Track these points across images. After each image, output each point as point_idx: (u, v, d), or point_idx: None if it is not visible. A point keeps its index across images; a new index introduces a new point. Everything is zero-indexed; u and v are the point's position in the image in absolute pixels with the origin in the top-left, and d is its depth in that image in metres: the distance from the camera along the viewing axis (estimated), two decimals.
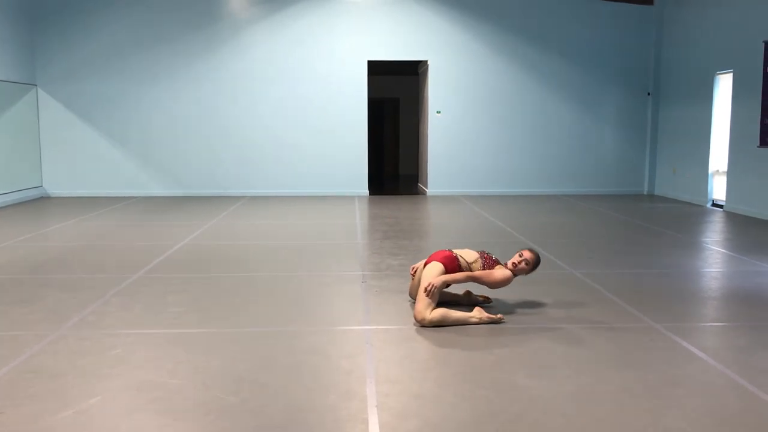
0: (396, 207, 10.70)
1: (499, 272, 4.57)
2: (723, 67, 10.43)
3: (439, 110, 12.41)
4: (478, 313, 4.43)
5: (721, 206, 10.48)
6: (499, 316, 4.45)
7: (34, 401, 3.18)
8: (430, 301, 4.34)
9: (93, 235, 7.94)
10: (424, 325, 4.31)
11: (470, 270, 4.59)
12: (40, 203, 11.14)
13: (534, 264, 4.68)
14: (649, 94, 12.56)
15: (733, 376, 3.51)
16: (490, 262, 4.66)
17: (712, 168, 10.82)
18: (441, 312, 4.35)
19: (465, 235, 8.03)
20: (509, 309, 4.77)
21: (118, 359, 3.75)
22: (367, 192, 12.47)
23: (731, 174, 10.12)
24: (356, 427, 2.91)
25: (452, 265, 4.55)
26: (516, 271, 4.65)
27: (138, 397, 3.23)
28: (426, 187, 12.72)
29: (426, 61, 12.48)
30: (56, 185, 12.16)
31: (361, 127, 12.33)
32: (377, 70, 13.38)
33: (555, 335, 4.19)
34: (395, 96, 17.42)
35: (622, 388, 3.36)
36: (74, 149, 12.09)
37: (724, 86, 10.53)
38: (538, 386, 3.36)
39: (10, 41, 11.08)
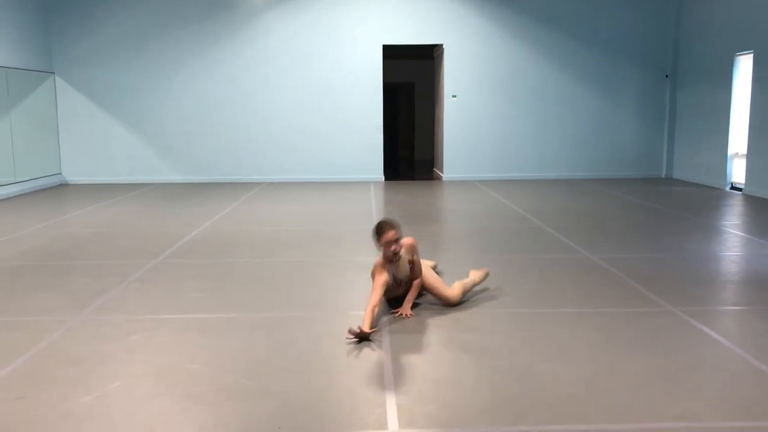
0: (411, 192, 10.69)
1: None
2: (743, 48, 10.28)
3: (454, 94, 12.34)
4: (473, 274, 4.75)
5: (740, 189, 10.36)
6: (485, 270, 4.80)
7: (56, 386, 3.23)
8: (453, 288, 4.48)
9: (112, 221, 8.02)
10: (458, 303, 4.46)
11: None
12: (59, 190, 11.25)
13: (377, 233, 4.19)
14: (667, 76, 12.41)
15: (751, 360, 3.49)
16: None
17: (731, 151, 10.69)
18: (459, 286, 4.52)
19: (481, 220, 8.01)
20: (525, 294, 4.77)
21: (139, 344, 3.79)
22: (383, 178, 12.46)
23: (751, 157, 9.99)
24: (374, 411, 2.93)
25: None
26: (393, 256, 4.19)
27: (158, 381, 3.27)
28: (442, 172, 12.69)
29: (441, 45, 12.40)
30: (75, 172, 12.26)
31: (377, 113, 12.30)
32: (392, 54, 13.32)
33: (572, 320, 4.18)
34: (410, 81, 17.34)
35: (639, 372, 3.35)
36: (92, 136, 12.18)
37: (744, 67, 10.38)
38: (556, 370, 3.37)
39: (27, 29, 11.14)
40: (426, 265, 4.60)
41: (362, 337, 3.77)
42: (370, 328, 3.81)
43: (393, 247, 4.15)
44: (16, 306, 4.55)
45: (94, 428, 2.80)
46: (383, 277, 4.14)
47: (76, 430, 2.79)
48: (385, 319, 4.20)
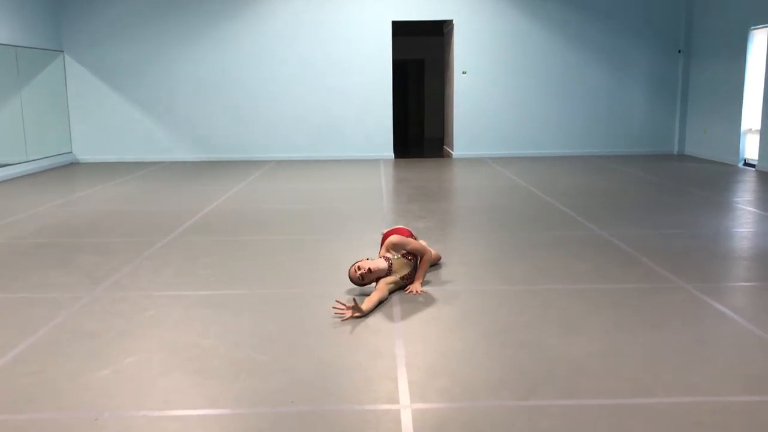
0: (421, 170, 10.67)
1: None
2: (758, 22, 10.13)
3: (464, 71, 12.26)
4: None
5: (753, 165, 10.28)
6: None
7: (73, 360, 3.27)
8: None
9: (123, 199, 8.06)
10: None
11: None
12: (70, 169, 11.31)
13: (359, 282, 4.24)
14: (680, 51, 12.26)
15: (763, 336, 3.48)
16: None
17: (744, 126, 10.59)
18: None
19: (491, 197, 8.00)
20: (536, 270, 4.77)
21: (152, 320, 3.83)
22: (393, 155, 12.44)
23: (765, 132, 9.90)
24: (386, 385, 2.96)
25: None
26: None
27: (172, 356, 3.31)
28: (452, 150, 12.65)
29: (451, 21, 12.29)
30: (86, 151, 12.30)
31: (386, 89, 12.24)
32: (402, 30, 13.23)
33: (584, 295, 4.19)
34: (420, 57, 17.23)
35: (651, 347, 3.36)
36: (102, 115, 12.20)
37: (759, 42, 10.24)
38: (567, 345, 3.38)
39: (36, 8, 11.13)
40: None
41: (355, 313, 3.78)
42: (364, 313, 3.82)
43: (371, 277, 4.17)
44: (32, 283, 4.60)
45: (110, 401, 2.84)
46: (389, 279, 4.20)
47: (93, 403, 2.83)
48: (396, 297, 4.22)
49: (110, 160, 12.22)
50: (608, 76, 12.34)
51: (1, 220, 6.79)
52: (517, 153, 12.45)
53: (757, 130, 10.22)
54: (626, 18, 12.18)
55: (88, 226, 6.49)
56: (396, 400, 2.82)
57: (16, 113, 10.58)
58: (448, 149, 13.24)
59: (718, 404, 2.77)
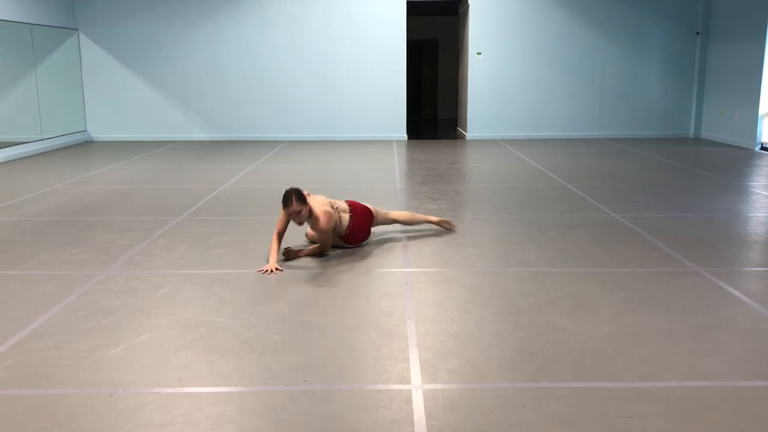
0: (434, 151, 10.64)
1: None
2: None
3: (479, 51, 12.16)
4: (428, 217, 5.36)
5: None
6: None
7: (87, 337, 3.31)
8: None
9: (137, 178, 8.10)
10: (404, 223, 5.28)
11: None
12: (85, 147, 11.36)
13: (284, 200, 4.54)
14: (698, 33, 12.09)
15: None
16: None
17: (762, 110, 10.46)
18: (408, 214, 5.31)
19: (504, 179, 7.96)
20: (547, 253, 4.76)
21: (165, 298, 3.86)
22: (406, 136, 12.40)
23: None
24: (398, 365, 2.97)
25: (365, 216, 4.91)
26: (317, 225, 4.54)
27: (185, 334, 3.34)
28: (465, 131, 12.59)
29: (466, 1, 12.17)
30: (100, 129, 12.35)
31: (400, 70, 12.17)
32: (416, 10, 13.12)
33: (596, 278, 4.17)
34: (434, 37, 17.10)
35: (663, 330, 3.35)
36: (117, 93, 12.22)
37: None
38: (578, 328, 3.38)
39: None
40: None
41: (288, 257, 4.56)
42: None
43: (297, 219, 4.51)
44: (48, 260, 4.64)
45: (124, 378, 2.87)
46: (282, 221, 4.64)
47: (108, 379, 2.87)
48: (407, 278, 4.23)
49: (125, 139, 12.27)
50: (625, 58, 12.20)
51: (16, 198, 6.85)
52: (531, 135, 12.38)
53: None
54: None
55: (102, 205, 6.54)
56: (408, 381, 2.84)
57: (31, 91, 10.62)
58: (461, 130, 13.17)
59: (729, 389, 2.76)
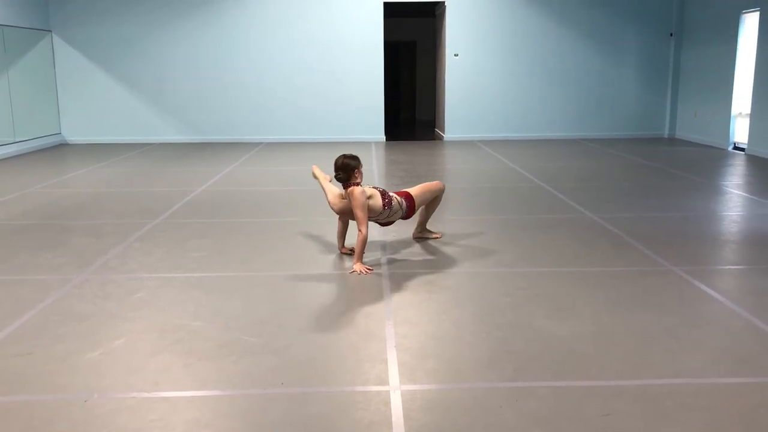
0: (413, 152, 10.65)
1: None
2: (749, 6, 10.12)
3: (456, 53, 12.20)
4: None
5: (742, 149, 10.32)
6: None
7: (62, 342, 3.26)
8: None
9: (113, 181, 8.01)
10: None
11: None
12: (59, 150, 11.22)
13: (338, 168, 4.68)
14: (671, 35, 12.25)
15: (751, 319, 3.51)
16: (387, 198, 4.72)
17: (734, 110, 10.61)
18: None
19: (482, 179, 8.00)
20: (525, 253, 4.79)
21: (142, 302, 3.82)
22: (384, 138, 12.40)
23: (754, 116, 9.92)
24: (376, 367, 2.97)
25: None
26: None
27: (162, 338, 3.31)
28: (443, 133, 12.63)
29: (443, 3, 12.22)
30: (75, 132, 12.20)
31: (378, 72, 12.18)
32: (393, 12, 13.13)
33: (573, 278, 4.20)
34: (412, 39, 17.13)
35: (640, 329, 3.38)
36: (91, 96, 12.08)
37: (750, 25, 10.24)
38: (556, 327, 3.40)
39: None
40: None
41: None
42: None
43: (361, 177, 4.72)
44: (21, 264, 4.58)
45: (100, 383, 2.84)
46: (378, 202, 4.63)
47: (83, 384, 2.83)
48: (387, 279, 4.23)
49: (100, 142, 12.13)
50: (600, 59, 12.32)
51: None
52: (508, 136, 12.45)
53: (747, 114, 10.25)
54: (619, 1, 12.14)
55: (77, 208, 6.46)
56: (386, 382, 2.83)
57: (3, 94, 10.46)
58: (439, 132, 13.21)
59: (705, 386, 2.79)
